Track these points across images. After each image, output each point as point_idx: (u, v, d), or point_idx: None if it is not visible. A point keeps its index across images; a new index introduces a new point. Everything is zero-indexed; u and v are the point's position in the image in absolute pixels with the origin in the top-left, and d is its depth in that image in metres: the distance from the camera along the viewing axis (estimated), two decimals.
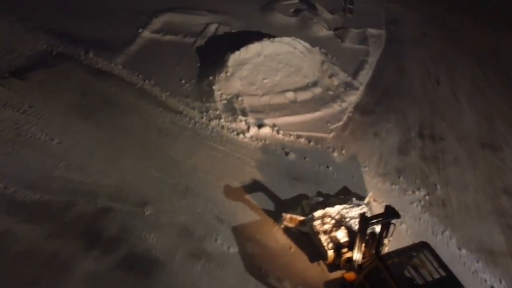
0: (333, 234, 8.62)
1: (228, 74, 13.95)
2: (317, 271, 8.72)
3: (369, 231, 7.62)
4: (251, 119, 12.67)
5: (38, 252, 8.82)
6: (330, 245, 8.41)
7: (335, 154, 12.13)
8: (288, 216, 9.32)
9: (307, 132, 12.71)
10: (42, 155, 11.14)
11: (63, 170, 10.74)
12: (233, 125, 12.57)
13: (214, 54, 15.34)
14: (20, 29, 15.94)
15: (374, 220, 7.36)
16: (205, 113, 12.99)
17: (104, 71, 14.61)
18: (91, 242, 9.13)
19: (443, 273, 6.78)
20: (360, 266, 7.88)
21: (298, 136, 12.52)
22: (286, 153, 11.84)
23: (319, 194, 10.48)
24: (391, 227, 7.55)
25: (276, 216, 9.76)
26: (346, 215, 9.03)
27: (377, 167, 11.81)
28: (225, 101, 13.29)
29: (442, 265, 6.89)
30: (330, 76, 14.79)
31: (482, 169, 12.15)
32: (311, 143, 12.42)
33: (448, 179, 11.71)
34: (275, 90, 13.73)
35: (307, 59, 14.77)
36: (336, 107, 13.83)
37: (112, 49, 15.49)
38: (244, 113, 12.91)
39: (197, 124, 12.67)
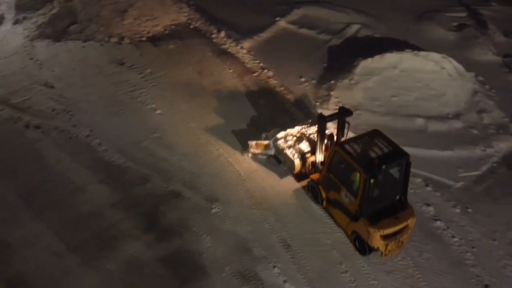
0: (297, 146, 9.44)
1: (352, 81, 12.17)
2: (287, 184, 9.53)
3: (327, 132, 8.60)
4: None
5: (98, 219, 8.73)
6: (296, 155, 9.23)
7: (457, 210, 9.46)
8: (253, 142, 9.87)
9: (428, 173, 10.23)
10: (141, 123, 11.20)
11: (151, 142, 10.59)
12: None
13: (345, 57, 13.64)
14: (168, 0, 16.59)
15: (331, 118, 8.54)
16: (311, 120, 11.51)
17: (228, 52, 14.21)
18: (149, 225, 8.68)
19: (392, 148, 7.67)
20: (323, 163, 8.76)
21: (414, 174, 10.13)
22: None
23: None
24: (346, 125, 8.66)
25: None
26: (306, 132, 9.88)
27: (509, 245, 8.80)
28: None
29: (392, 143, 7.78)
30: (480, 112, 11.77)
31: None
32: (428, 187, 9.94)
33: None
34: (402, 112, 11.44)
35: (455, 84, 12.00)
36: (477, 152, 10.89)
37: (243, 33, 15.02)
38: (356, 130, 11.00)
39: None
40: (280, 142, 9.55)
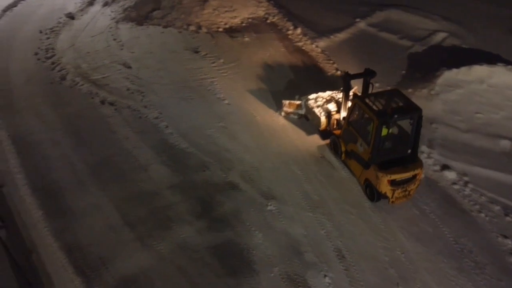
0: (325, 106, 10.04)
1: (432, 92, 11.30)
2: (313, 140, 10.24)
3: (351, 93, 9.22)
4: (436, 155, 9.92)
5: (156, 198, 8.87)
6: (323, 113, 9.85)
7: None
8: (287, 102, 10.54)
9: (509, 201, 9.18)
10: (208, 111, 11.28)
11: (216, 130, 10.61)
12: None
13: (426, 66, 12.73)
14: None
15: (356, 76, 9.03)
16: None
17: (302, 50, 13.91)
18: (203, 212, 8.65)
19: (407, 103, 8.02)
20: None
21: (492, 201, 9.17)
22: None
23: None
24: (370, 86, 8.97)
25: None
26: (336, 96, 10.40)
27: None
28: None
29: (408, 100, 8.10)
30: None
31: None
32: (508, 218, 8.91)
33: None
34: (486, 131, 10.40)
35: None
36: None
37: (320, 31, 14.67)
38: (431, 144, 10.21)
39: None
40: (311, 102, 10.23)
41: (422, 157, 9.47)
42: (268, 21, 15.66)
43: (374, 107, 8.02)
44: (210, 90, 12.00)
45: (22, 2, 17.50)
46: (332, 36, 14.55)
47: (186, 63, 13.26)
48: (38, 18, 16.27)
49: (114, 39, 14.69)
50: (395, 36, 14.49)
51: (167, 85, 12.24)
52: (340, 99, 9.89)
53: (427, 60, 13.17)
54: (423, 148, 9.98)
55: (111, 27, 15.44)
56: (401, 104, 8.03)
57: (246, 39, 14.51)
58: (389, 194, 8.19)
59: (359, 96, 8.64)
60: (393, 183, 8.06)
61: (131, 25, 15.53)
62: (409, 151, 8.32)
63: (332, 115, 9.90)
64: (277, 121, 10.92)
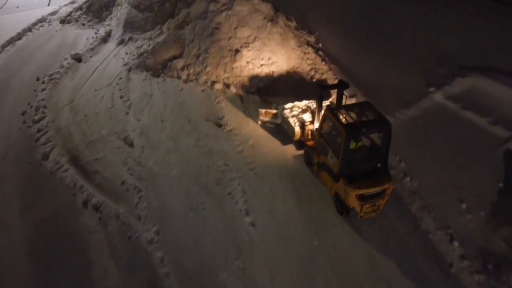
0: (300, 116, 9.78)
1: None
2: (288, 150, 9.70)
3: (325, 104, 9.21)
4: None
5: None
6: (297, 123, 9.57)
7: None
8: (263, 111, 10.32)
9: None
10: (224, 232, 8.10)
11: (231, 276, 7.37)
12: None
13: None
14: (293, 41, 13.36)
15: (329, 88, 9.52)
16: None
17: None
18: None
19: (377, 117, 7.85)
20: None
21: None
22: None
23: None
24: (343, 97, 8.94)
25: None
26: (312, 106, 10.09)
27: None
28: None
29: (378, 113, 7.94)
30: None
31: None
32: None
33: None
34: None
35: None
36: None
37: (382, 101, 11.09)
38: None
39: None
40: (286, 112, 9.92)
41: None
42: (314, 79, 12.40)
43: (344, 120, 7.78)
44: (230, 196, 8.83)
45: (28, 34, 15.07)
46: (397, 114, 11.02)
47: (204, 142, 10.20)
48: (41, 57, 13.77)
49: (121, 97, 11.88)
50: (485, 120, 10.54)
51: (174, 180, 9.20)
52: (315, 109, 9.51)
53: None
54: None
55: (120, 78, 12.68)
56: (371, 117, 7.82)
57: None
58: (357, 209, 7.91)
59: (330, 107, 8.30)
60: (361, 198, 7.77)
61: (145, 76, 12.72)
62: (379, 165, 7.98)
63: (306, 125, 9.54)
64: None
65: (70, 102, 11.64)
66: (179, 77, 12.55)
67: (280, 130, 10.09)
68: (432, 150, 9.92)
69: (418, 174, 9.46)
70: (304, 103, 10.20)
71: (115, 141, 10.23)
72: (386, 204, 8.13)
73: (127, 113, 11.15)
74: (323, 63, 12.81)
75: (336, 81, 9.34)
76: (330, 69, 12.58)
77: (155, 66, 12.99)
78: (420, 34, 11.65)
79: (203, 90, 11.97)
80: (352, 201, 7.84)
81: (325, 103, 9.75)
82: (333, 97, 9.79)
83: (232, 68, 12.50)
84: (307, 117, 9.79)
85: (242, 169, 9.37)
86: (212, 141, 10.18)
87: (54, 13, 16.55)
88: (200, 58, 12.71)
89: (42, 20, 15.93)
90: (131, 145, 10.11)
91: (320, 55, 12.99)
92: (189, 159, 9.67)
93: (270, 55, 12.88)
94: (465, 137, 10.27)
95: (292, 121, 9.69)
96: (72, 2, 17.06)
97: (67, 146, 10.10)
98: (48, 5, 17.60)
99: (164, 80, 12.52)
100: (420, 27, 11.69)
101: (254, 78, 12.24)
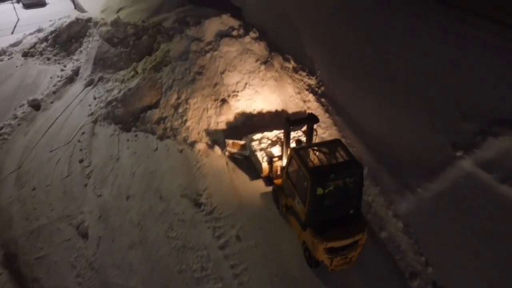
0: (268, 150, 9.05)
1: None
2: (257, 186, 8.80)
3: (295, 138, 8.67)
4: None
5: None
6: (265, 158, 8.80)
7: None
8: (230, 141, 9.50)
9: None
10: None
11: None
12: None
13: None
14: (291, 88, 11.30)
15: (297, 123, 8.18)
16: None
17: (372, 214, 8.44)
18: None
19: (347, 159, 7.16)
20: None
21: None
22: None
23: None
24: (314, 132, 8.21)
25: None
26: (282, 138, 8.85)
27: None
28: None
29: (349, 155, 7.23)
30: None
31: None
32: None
33: None
34: None
35: None
36: None
37: (400, 177, 9.00)
38: None
39: None
40: (254, 144, 9.19)
41: None
42: (316, 136, 10.25)
43: (310, 163, 7.01)
44: None
45: None
46: (419, 189, 8.84)
47: (178, 231, 8.08)
48: None
49: (81, 161, 9.80)
50: None
51: None
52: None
53: None
54: None
55: (83, 133, 10.60)
56: (340, 160, 7.13)
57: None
58: (326, 263, 6.98)
59: (296, 149, 7.51)
60: (330, 251, 6.84)
61: (113, 130, 10.66)
62: (352, 211, 7.17)
63: (274, 161, 8.68)
64: None
65: (18, 168, 9.52)
66: (153, 133, 10.42)
67: (249, 163, 9.22)
68: (460, 242, 7.80)
69: (447, 275, 7.33)
70: (274, 134, 9.44)
71: (66, 229, 8.10)
72: (359, 255, 7.26)
73: (86, 185, 9.04)
74: (327, 114, 10.71)
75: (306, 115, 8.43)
76: (335, 124, 10.47)
77: (125, 118, 10.86)
78: (446, 79, 9.51)
79: (181, 151, 9.86)
80: (321, 255, 7.01)
81: (296, 133, 9.22)
82: (304, 128, 8.93)
83: (218, 123, 10.39)
84: (276, 150, 9.02)
85: (223, 276, 7.24)
86: (187, 230, 8.06)
87: (16, 43, 14.42)
88: (179, 110, 10.58)
89: (1, 52, 13.80)
90: (84, 236, 7.98)
91: (322, 103, 10.89)
92: (157, 259, 7.55)
93: (264, 105, 10.77)
94: (502, 220, 8.09)
95: (260, 155, 8.96)
96: (38, 31, 14.92)
97: (3, 237, 7.96)
98: (12, 33, 15.48)
99: (136, 135, 10.42)
100: (442, 69, 9.58)
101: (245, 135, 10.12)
